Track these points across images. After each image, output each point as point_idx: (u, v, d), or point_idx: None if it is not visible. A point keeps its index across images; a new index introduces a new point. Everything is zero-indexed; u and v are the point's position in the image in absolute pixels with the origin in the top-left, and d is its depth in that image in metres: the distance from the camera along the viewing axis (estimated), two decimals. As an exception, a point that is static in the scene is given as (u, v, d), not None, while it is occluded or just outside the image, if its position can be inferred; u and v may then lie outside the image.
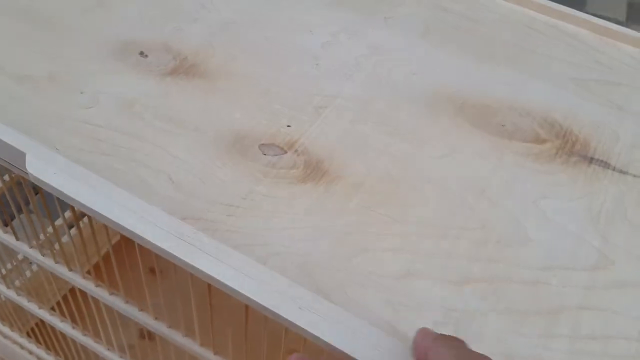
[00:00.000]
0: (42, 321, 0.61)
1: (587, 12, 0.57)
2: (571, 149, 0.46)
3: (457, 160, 0.44)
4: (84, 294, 0.50)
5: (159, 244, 0.34)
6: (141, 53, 0.48)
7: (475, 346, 0.28)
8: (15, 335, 0.70)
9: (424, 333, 0.30)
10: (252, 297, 0.32)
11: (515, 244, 0.39)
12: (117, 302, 0.48)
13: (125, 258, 0.44)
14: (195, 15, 0.53)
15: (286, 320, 0.31)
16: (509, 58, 0.53)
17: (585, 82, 0.52)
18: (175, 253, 0.33)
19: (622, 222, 0.41)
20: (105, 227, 0.37)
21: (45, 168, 0.37)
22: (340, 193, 0.41)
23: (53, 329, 0.61)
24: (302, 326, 0.31)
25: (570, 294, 0.37)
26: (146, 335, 0.76)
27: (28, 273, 0.72)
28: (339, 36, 0.53)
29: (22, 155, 0.37)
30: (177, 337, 0.45)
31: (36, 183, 0.37)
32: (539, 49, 0.54)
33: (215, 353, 0.44)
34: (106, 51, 0.49)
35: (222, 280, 0.32)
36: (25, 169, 0.37)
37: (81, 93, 0.45)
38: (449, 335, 0.29)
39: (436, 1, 0.58)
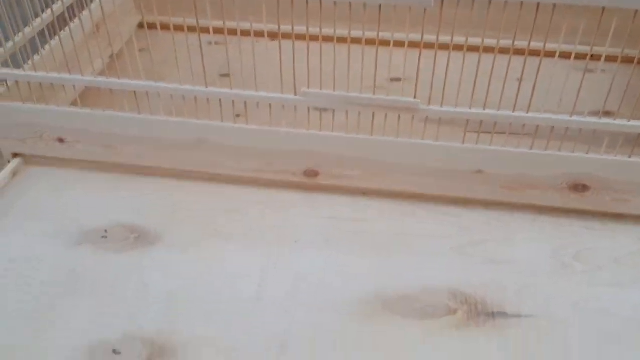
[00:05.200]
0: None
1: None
2: (476, 310, 0.55)
3: (405, 356, 0.51)
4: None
5: None
6: (114, 351, 0.51)
7: None
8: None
9: None
10: None
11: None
12: None
13: None
14: (144, 297, 0.55)
15: None
16: (397, 246, 0.62)
17: (462, 247, 0.61)
18: None
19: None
20: None
21: None
22: None
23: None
24: None
25: None
26: None
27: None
28: (267, 273, 0.58)
29: None
30: None
31: None
32: (415, 231, 0.64)
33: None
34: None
35: None
36: None
37: None
38: None
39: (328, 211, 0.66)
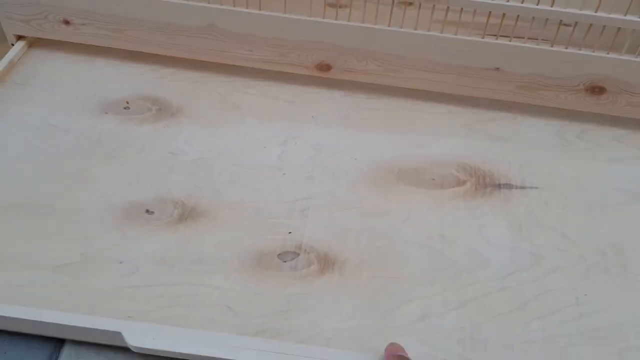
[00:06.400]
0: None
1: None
2: (484, 182, 0.59)
3: (416, 218, 0.56)
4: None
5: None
6: (147, 211, 0.54)
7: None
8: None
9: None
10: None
11: (480, 268, 0.52)
12: None
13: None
14: (171, 164, 0.58)
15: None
16: (411, 124, 0.65)
17: (471, 124, 0.65)
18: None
19: (535, 226, 0.55)
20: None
21: (143, 339, 0.44)
22: (351, 273, 0.51)
23: None
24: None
25: (527, 288, 0.50)
26: None
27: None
28: (287, 145, 0.61)
29: (118, 334, 0.44)
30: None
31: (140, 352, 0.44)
32: (429, 109, 0.67)
33: None
34: (116, 220, 0.53)
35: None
36: (127, 344, 0.44)
37: (120, 263, 0.50)
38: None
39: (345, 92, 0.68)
